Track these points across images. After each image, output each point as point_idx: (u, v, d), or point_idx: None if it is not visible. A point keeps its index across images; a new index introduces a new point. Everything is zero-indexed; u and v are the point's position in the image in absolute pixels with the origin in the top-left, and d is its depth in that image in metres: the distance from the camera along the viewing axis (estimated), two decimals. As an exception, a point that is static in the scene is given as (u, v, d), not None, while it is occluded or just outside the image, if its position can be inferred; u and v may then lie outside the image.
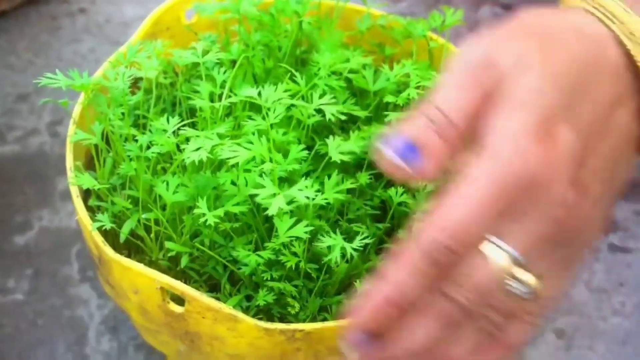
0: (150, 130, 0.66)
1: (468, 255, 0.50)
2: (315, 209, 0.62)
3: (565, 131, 0.51)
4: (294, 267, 0.61)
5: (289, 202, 0.58)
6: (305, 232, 0.59)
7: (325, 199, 0.61)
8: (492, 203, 0.50)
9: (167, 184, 0.62)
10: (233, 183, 0.61)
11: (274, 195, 0.58)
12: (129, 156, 0.64)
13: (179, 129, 0.64)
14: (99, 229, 0.63)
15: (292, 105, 0.65)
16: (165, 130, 0.64)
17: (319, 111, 0.66)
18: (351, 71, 0.69)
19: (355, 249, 0.60)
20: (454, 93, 0.52)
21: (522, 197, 0.50)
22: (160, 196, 0.63)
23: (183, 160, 0.61)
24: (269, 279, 0.62)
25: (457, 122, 0.51)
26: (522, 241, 0.52)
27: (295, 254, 0.61)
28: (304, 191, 0.59)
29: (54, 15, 1.10)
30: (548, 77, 0.52)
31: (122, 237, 0.65)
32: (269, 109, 0.63)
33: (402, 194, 0.63)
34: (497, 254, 0.51)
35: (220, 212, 0.59)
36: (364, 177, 0.65)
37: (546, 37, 0.53)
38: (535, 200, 0.50)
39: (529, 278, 0.53)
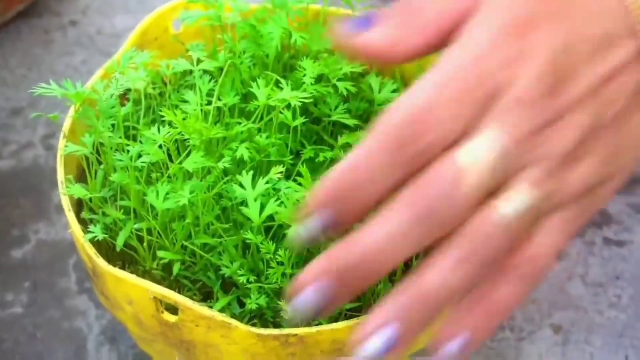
0: (140, 141, 0.67)
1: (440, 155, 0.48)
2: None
3: (547, 33, 0.50)
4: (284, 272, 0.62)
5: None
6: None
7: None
8: (460, 89, 0.49)
9: (157, 192, 0.62)
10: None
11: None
12: (120, 166, 0.65)
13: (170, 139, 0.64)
14: (92, 240, 0.64)
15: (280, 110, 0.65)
16: (155, 140, 0.64)
17: (306, 115, 0.67)
18: (343, 78, 0.69)
19: None
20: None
21: (488, 88, 0.49)
22: (152, 205, 0.63)
23: (176, 169, 0.62)
24: (252, 281, 0.62)
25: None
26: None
27: (280, 263, 0.62)
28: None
29: (45, 29, 1.10)
30: None
31: (118, 247, 0.65)
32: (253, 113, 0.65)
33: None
34: (477, 146, 0.48)
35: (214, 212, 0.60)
36: None
37: None
38: (501, 94, 0.49)
39: (520, 187, 0.49)
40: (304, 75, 0.67)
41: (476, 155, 0.48)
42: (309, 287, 0.48)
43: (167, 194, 0.62)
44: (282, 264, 0.61)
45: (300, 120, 0.65)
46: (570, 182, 0.50)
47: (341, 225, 0.48)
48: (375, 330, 0.48)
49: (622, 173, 0.52)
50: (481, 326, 0.50)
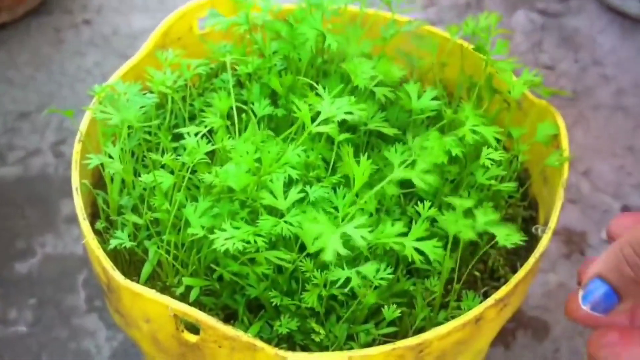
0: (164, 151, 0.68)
1: None
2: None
3: None
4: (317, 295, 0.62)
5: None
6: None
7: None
8: None
9: (196, 207, 0.62)
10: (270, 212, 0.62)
11: (328, 232, 0.59)
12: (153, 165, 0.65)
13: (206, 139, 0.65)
14: (113, 250, 0.64)
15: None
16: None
17: (347, 128, 0.68)
18: (379, 84, 0.70)
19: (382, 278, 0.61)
20: None
21: None
22: (179, 217, 0.63)
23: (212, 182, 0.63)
24: (285, 303, 0.62)
25: None
26: None
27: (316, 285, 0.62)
28: (360, 230, 0.59)
29: (56, 27, 1.11)
30: None
31: (150, 258, 0.66)
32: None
33: (429, 208, 0.64)
34: None
35: (248, 232, 0.60)
36: (391, 189, 0.65)
37: None
38: None
39: None
40: (349, 83, 0.68)
41: None
42: None
43: (205, 210, 0.62)
44: (317, 285, 0.62)
45: (345, 135, 0.66)
46: None
47: None
48: None
49: None
50: None
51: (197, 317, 0.59)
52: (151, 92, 0.70)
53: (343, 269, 0.61)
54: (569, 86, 1.06)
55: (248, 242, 0.59)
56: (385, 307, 0.63)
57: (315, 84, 0.68)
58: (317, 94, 0.66)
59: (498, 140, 0.68)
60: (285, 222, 0.60)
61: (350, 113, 0.65)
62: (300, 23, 0.72)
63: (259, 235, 0.60)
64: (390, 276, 0.62)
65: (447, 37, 0.77)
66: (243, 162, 0.62)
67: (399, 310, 0.63)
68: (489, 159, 0.66)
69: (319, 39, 0.72)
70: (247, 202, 0.63)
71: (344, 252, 0.57)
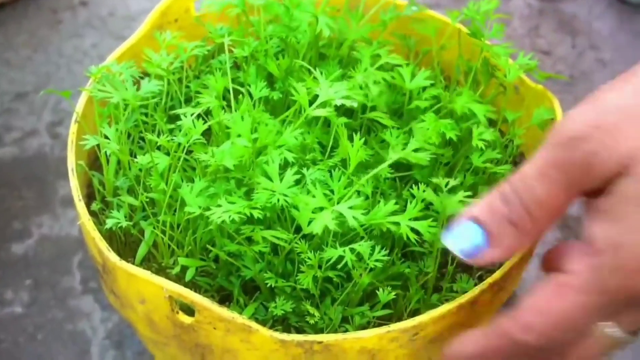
0: (160, 131, 0.68)
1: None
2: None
3: None
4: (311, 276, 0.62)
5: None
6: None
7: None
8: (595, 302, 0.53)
9: (191, 187, 0.62)
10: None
11: (321, 209, 0.59)
12: (156, 146, 0.65)
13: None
14: (105, 232, 0.64)
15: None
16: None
17: (344, 112, 0.67)
18: (380, 68, 0.70)
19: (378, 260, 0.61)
20: (539, 185, 0.53)
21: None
22: (175, 198, 0.63)
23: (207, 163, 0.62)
24: (280, 285, 0.62)
25: (536, 215, 0.53)
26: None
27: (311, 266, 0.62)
28: (353, 211, 0.59)
29: (54, 8, 1.11)
30: None
31: (146, 241, 0.66)
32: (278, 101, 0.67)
33: (423, 191, 0.64)
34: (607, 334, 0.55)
35: (243, 205, 0.59)
36: (385, 171, 0.65)
37: None
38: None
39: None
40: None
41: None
42: None
43: (201, 190, 0.62)
44: (312, 267, 0.62)
45: (343, 119, 0.66)
46: None
47: None
48: None
49: None
50: None
51: (192, 298, 0.59)
52: (147, 74, 0.70)
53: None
54: (566, 71, 1.05)
55: (245, 223, 0.59)
56: (380, 289, 0.64)
57: (312, 69, 0.67)
58: (315, 78, 0.66)
59: (494, 123, 0.68)
60: (281, 194, 0.60)
61: (348, 97, 0.65)
62: (296, 6, 0.72)
63: (255, 208, 0.59)
64: (385, 258, 0.62)
65: (446, 21, 0.77)
66: (241, 133, 0.62)
67: (393, 293, 0.63)
68: (482, 139, 0.66)
69: (315, 22, 0.72)
70: (244, 180, 0.63)
71: (332, 227, 0.57)
